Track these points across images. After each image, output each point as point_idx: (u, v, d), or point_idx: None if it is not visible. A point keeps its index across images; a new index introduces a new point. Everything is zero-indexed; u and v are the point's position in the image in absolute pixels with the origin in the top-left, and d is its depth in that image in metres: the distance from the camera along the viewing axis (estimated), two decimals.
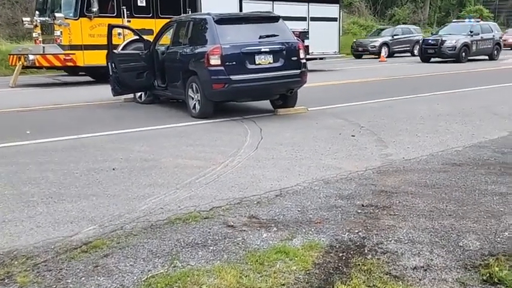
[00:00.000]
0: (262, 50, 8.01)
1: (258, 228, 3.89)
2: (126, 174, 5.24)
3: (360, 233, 3.79)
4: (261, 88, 8.11)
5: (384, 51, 25.68)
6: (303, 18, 17.15)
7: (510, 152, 5.94)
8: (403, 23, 38.62)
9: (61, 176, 5.16)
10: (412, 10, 40.28)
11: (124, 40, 12.50)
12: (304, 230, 3.85)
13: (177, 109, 9.17)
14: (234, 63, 7.82)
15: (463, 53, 21.69)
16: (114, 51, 9.31)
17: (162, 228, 3.89)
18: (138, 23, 13.91)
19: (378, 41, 26.18)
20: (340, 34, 19.32)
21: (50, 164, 5.63)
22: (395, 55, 27.26)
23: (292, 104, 8.85)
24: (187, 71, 8.36)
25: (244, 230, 3.86)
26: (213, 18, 8.07)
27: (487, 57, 23.10)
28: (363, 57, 26.34)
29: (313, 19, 17.32)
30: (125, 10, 14.01)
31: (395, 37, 27.21)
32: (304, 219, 4.06)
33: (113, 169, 5.39)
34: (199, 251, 3.51)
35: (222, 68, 7.75)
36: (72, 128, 7.72)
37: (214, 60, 7.72)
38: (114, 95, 9.60)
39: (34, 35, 14.53)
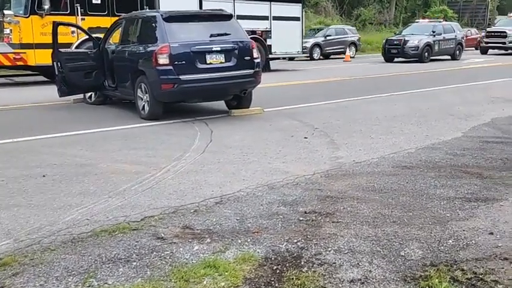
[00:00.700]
0: (214, 49, 7.72)
1: (190, 240, 3.61)
2: (57, 181, 4.87)
3: (298, 243, 3.55)
4: (212, 88, 7.82)
5: (316, 53, 24.94)
6: (265, 18, 16.89)
7: (462, 154, 5.82)
8: (369, 23, 38.96)
9: None
10: (378, 10, 40.60)
11: (78, 39, 12.08)
12: (239, 241, 3.59)
13: (128, 110, 8.80)
14: (184, 62, 7.49)
15: (426, 53, 21.86)
16: (61, 49, 8.86)
17: (84, 241, 3.57)
18: (92, 21, 13.43)
19: (309, 41, 24.62)
20: (303, 34, 19.13)
21: None
22: (331, 57, 26.24)
23: (247, 105, 8.58)
24: (136, 71, 8.01)
25: (175, 243, 3.57)
26: (162, 16, 7.73)
27: (449, 57, 23.35)
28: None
29: (276, 18, 17.08)
30: (78, 8, 13.49)
31: (327, 38, 25.99)
32: (241, 229, 3.80)
33: (43, 176, 5.01)
34: (121, 267, 3.21)
35: (170, 67, 7.42)
36: (10, 131, 7.27)
37: (163, 60, 7.39)
38: (60, 96, 9.15)
39: None
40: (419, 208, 4.17)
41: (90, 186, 4.75)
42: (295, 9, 17.81)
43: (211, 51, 7.70)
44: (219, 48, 7.76)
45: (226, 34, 7.95)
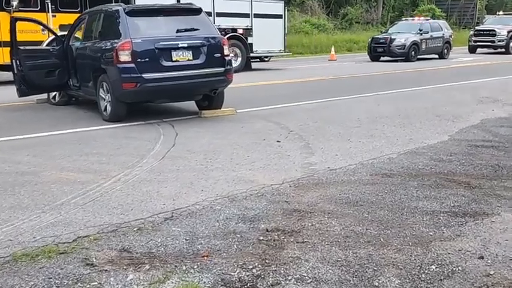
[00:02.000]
0: (180, 45, 7.11)
1: (125, 267, 3.03)
2: None
3: (254, 270, 2.99)
4: (179, 88, 7.22)
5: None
6: (246, 15, 16.27)
7: (449, 160, 5.28)
8: (356, 22, 38.47)
9: None
10: (365, 9, 40.13)
11: (49, 36, 11.42)
12: (184, 268, 3.02)
13: (92, 111, 8.17)
14: (147, 59, 6.89)
15: (413, 52, 21.36)
16: (20, 47, 8.21)
17: None
18: (64, 18, 12.74)
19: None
20: (286, 32, 18.53)
21: None
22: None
23: (219, 106, 8.00)
24: (98, 69, 7.40)
25: (106, 270, 2.99)
26: (125, 10, 7.12)
27: (437, 56, 22.90)
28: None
29: (257, 16, 16.47)
30: (49, 4, 12.83)
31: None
32: (189, 252, 3.23)
33: None
34: None
35: (132, 65, 6.81)
36: None
37: (124, 57, 6.78)
38: (20, 96, 8.49)
39: None
40: (398, 225, 3.62)
41: (25, 198, 4.15)
42: (278, 7, 17.23)
43: (177, 48, 7.09)
44: (186, 45, 7.16)
45: (194, 29, 7.35)
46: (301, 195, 4.26)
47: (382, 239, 3.38)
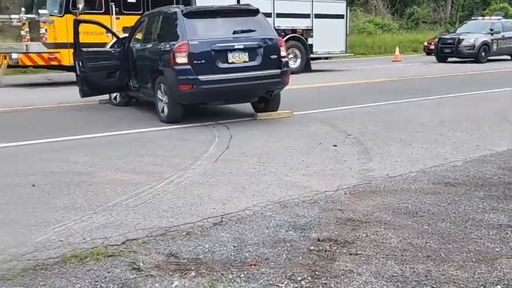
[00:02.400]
0: (236, 46, 7.06)
1: (172, 273, 2.97)
2: (45, 192, 4.36)
3: (303, 282, 2.84)
4: (235, 90, 7.16)
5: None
6: (307, 16, 16.07)
7: None
8: (423, 22, 37.22)
9: None
10: (433, 8, 38.76)
11: (112, 38, 11.75)
12: (230, 276, 2.91)
13: (151, 112, 8.27)
14: (203, 61, 6.89)
15: (483, 53, 20.36)
16: (82, 48, 8.46)
17: (48, 270, 2.99)
18: (127, 20, 13.04)
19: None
20: (348, 32, 18.14)
21: None
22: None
23: (275, 108, 7.88)
24: (156, 71, 7.49)
25: (152, 276, 2.94)
26: (182, 12, 7.16)
27: (509, 57, 21.70)
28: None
29: (318, 16, 16.23)
30: (113, 6, 13.22)
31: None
32: (236, 259, 3.13)
33: (33, 185, 4.51)
34: None
35: (189, 67, 6.83)
36: (19, 133, 6.90)
37: (181, 59, 6.81)
38: (82, 97, 8.76)
39: (22, 32, 13.87)
40: (461, 239, 3.35)
41: (79, 199, 4.20)
42: (339, 7, 16.91)
43: (233, 49, 7.05)
44: (242, 46, 7.10)
45: (251, 31, 7.28)
46: (356, 204, 4.06)
47: (442, 254, 3.13)
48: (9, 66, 13.64)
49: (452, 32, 22.83)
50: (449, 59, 20.90)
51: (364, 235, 3.46)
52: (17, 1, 20.44)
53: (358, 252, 3.20)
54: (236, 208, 3.97)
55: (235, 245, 3.34)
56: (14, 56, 12.88)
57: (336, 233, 3.50)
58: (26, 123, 7.98)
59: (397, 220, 3.70)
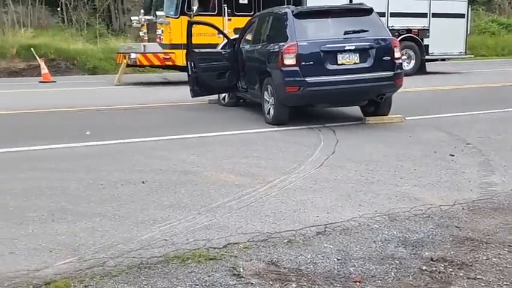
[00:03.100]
0: (347, 47, 6.81)
1: (272, 282, 2.86)
2: (153, 189, 4.47)
3: None
4: (343, 93, 6.91)
5: None
6: (423, 15, 15.22)
7: None
8: None
9: (82, 187, 4.54)
10: None
11: (224, 39, 12.02)
12: None
13: (258, 113, 8.28)
14: (312, 63, 6.74)
15: None
16: (195, 49, 8.69)
17: (151, 269, 3.03)
18: (239, 22, 13.24)
19: None
20: (469, 33, 16.91)
21: (80, 171, 5.06)
22: None
23: (385, 112, 7.50)
24: (264, 72, 7.47)
25: (252, 284, 2.85)
26: (292, 12, 7.06)
27: None
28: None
29: (436, 15, 15.29)
30: (226, 8, 13.51)
31: None
32: (340, 274, 2.95)
33: (142, 182, 4.66)
34: None
35: (296, 68, 6.71)
36: (133, 130, 7.21)
37: (289, 60, 6.71)
38: (192, 96, 9.01)
39: (141, 33, 14.65)
40: None
41: (184, 198, 4.25)
42: (460, 6, 15.82)
43: (343, 50, 6.81)
44: (353, 47, 6.84)
45: (363, 31, 6.99)
46: (475, 221, 3.68)
47: None
48: (127, 66, 14.52)
49: None
50: None
51: (485, 257, 3.10)
52: (138, 3, 21.76)
53: (478, 277, 2.87)
54: (341, 218, 3.78)
55: (339, 257, 3.15)
56: (133, 55, 13.66)
57: (451, 253, 3.18)
58: (140, 121, 8.36)
59: None
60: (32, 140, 6.50)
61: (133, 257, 3.17)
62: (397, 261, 3.09)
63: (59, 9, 22.85)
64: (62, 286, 2.83)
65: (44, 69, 15.57)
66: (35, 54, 16.70)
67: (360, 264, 3.06)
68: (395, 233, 3.51)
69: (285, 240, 3.40)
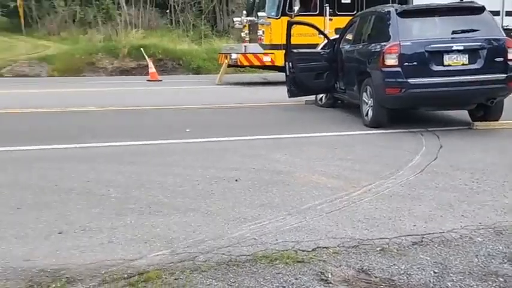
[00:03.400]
0: (454, 48, 6.40)
1: None
2: (246, 188, 4.49)
3: None
4: (449, 95, 6.50)
5: None
6: None
7: None
8: None
9: (179, 183, 4.68)
10: None
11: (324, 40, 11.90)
12: None
13: (355, 115, 8.08)
14: (415, 63, 6.43)
15: None
16: (293, 50, 8.66)
17: (239, 266, 3.04)
18: (340, 21, 12.99)
19: None
20: None
21: (178, 166, 5.23)
22: None
23: (496, 117, 6.96)
24: (363, 72, 7.26)
25: None
26: (396, 11, 6.78)
27: None
28: None
29: None
30: (327, 8, 13.35)
31: None
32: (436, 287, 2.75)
33: (236, 180, 4.71)
34: None
35: (398, 69, 6.43)
36: (229, 128, 7.34)
37: (391, 60, 6.45)
38: (289, 97, 8.99)
39: (242, 34, 14.94)
40: None
41: (275, 198, 4.23)
42: None
43: (451, 51, 6.41)
44: (461, 47, 6.41)
45: (473, 30, 6.54)
46: None
47: None
48: (229, 66, 14.88)
49: None
50: None
51: None
52: (242, 5, 22.22)
53: None
54: (440, 228, 3.54)
55: (436, 270, 2.95)
56: (234, 56, 13.97)
57: None
58: (238, 120, 8.51)
59: None
60: (132, 136, 6.76)
61: (223, 254, 3.19)
62: (502, 279, 2.83)
63: (168, 11, 24.04)
64: (154, 277, 2.92)
65: (152, 69, 16.42)
66: (144, 54, 17.68)
67: (458, 279, 2.84)
68: (500, 248, 3.22)
69: (378, 248, 3.25)
